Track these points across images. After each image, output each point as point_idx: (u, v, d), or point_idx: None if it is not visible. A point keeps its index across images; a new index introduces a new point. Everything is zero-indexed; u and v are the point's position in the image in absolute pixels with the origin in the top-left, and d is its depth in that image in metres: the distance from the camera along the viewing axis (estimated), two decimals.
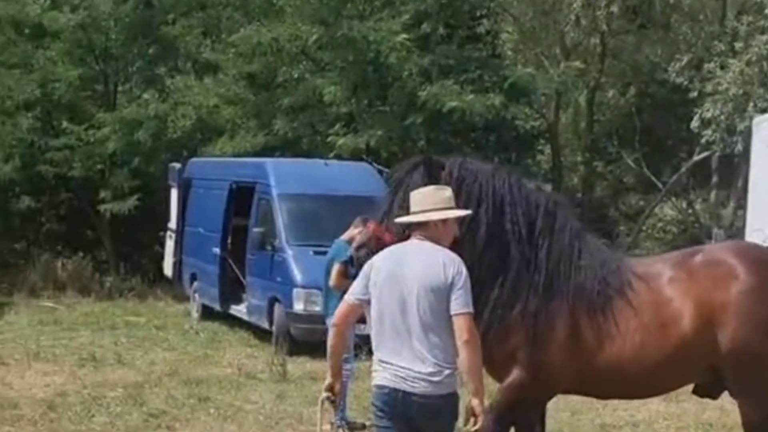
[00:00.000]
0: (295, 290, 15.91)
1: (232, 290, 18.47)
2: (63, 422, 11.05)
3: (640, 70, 29.26)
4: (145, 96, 23.75)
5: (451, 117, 20.84)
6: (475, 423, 5.98)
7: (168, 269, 21.63)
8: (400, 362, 5.95)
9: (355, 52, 21.32)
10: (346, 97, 21.77)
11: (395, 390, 5.99)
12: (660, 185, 28.85)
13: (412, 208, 6.28)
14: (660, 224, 31.62)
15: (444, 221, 6.21)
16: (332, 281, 10.98)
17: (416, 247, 6.16)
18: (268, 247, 17.01)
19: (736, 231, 25.35)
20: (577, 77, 25.38)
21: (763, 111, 21.48)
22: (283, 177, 17.62)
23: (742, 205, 25.59)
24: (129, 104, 24.16)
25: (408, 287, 5.96)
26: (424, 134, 21.63)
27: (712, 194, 30.33)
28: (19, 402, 11.94)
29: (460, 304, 5.93)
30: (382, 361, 6.05)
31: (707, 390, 7.61)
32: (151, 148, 23.30)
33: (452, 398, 6.02)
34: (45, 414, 11.38)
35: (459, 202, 6.91)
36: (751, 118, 21.18)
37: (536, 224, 7.24)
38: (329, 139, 21.43)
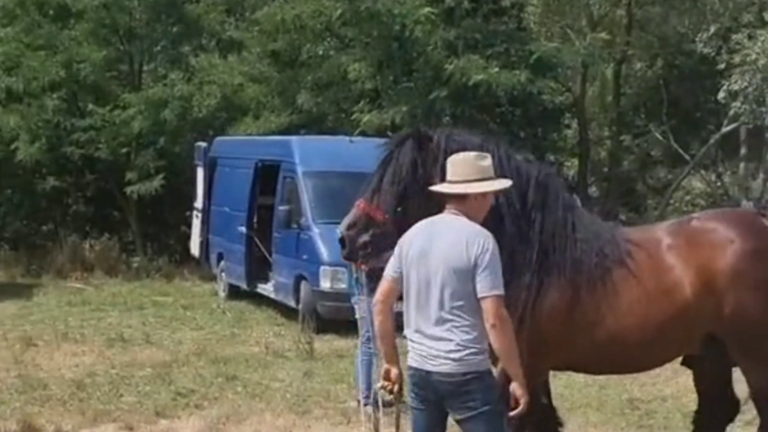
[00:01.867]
0: (321, 268, 15.87)
1: (258, 269, 18.47)
2: (92, 402, 11.08)
3: (668, 41, 28.97)
4: (171, 76, 23.72)
5: (477, 91, 20.68)
6: (515, 408, 5.82)
7: (195, 249, 21.66)
8: (424, 341, 5.83)
9: (380, 27, 21.17)
10: (371, 74, 21.64)
11: (420, 370, 5.87)
12: (688, 158, 28.63)
13: (450, 177, 6.03)
14: (688, 197, 31.42)
15: (483, 194, 6.03)
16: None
17: (448, 222, 5.94)
18: (294, 226, 16.99)
19: (765, 202, 25.19)
20: (603, 49, 25.14)
21: None
22: (308, 155, 17.56)
23: None
24: (154, 84, 24.17)
25: (434, 266, 5.80)
26: (449, 109, 21.49)
27: (741, 166, 30.12)
28: (48, 382, 11.98)
29: (485, 286, 5.70)
30: (411, 341, 5.93)
31: (700, 362, 7.51)
32: (177, 127, 23.29)
33: (479, 378, 5.78)
34: (74, 394, 11.41)
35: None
36: None
37: (528, 197, 7.04)
38: (354, 116, 21.34)
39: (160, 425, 10.14)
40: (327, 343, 14.77)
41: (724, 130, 26.98)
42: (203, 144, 21.37)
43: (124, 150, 23.75)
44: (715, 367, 7.51)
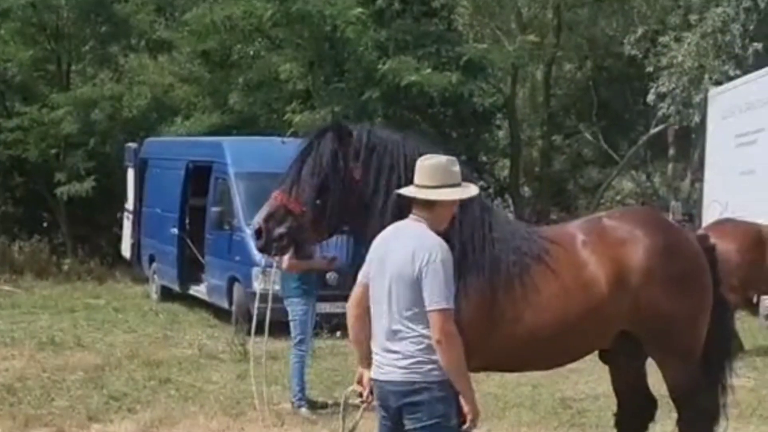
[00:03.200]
0: (254, 269, 15.79)
1: (191, 271, 18.36)
2: (23, 406, 10.91)
3: (596, 43, 29.36)
4: (100, 76, 23.47)
5: (409, 92, 20.78)
6: (464, 424, 5.71)
7: (126, 251, 21.49)
8: (378, 350, 5.77)
9: (311, 28, 21.17)
10: (303, 74, 21.64)
11: (375, 380, 5.80)
12: (618, 158, 29.00)
13: (419, 181, 5.84)
14: (618, 197, 31.84)
15: (452, 202, 5.87)
16: (283, 264, 10.82)
17: (405, 229, 5.81)
18: (227, 227, 16.91)
19: (693, 203, 25.58)
20: (533, 51, 25.36)
21: (718, 83, 21.62)
22: (239, 156, 17.48)
23: (699, 177, 25.78)
24: (83, 84, 23.91)
25: (388, 275, 5.71)
26: (381, 110, 21.54)
27: (669, 167, 30.57)
28: None
29: (430, 298, 5.56)
30: (372, 351, 5.84)
31: (615, 356, 7.60)
32: (107, 128, 23.10)
33: (426, 389, 5.61)
34: (4, 398, 11.22)
35: (370, 169, 6.73)
36: (706, 91, 21.36)
37: None
38: (286, 116, 21.31)
39: (92, 430, 10.02)
40: (260, 345, 14.67)
41: (653, 131, 27.37)
42: (134, 145, 21.20)
43: (53, 151, 23.46)
44: (630, 364, 7.58)
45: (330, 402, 11.25)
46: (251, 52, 22.91)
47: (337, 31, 20.80)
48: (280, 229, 6.76)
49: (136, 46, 25.91)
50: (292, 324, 11.09)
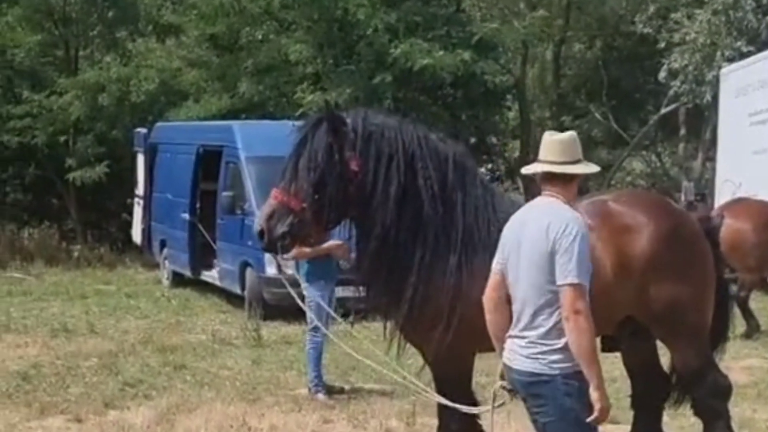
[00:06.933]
0: (267, 254, 15.71)
1: (202, 256, 18.26)
2: (38, 394, 10.84)
3: (606, 22, 29.18)
4: (107, 59, 23.37)
5: (422, 75, 20.66)
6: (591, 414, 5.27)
7: (137, 236, 21.42)
8: (510, 335, 5.54)
9: (321, 10, 21.06)
10: (313, 56, 21.51)
11: (504, 365, 5.58)
12: (628, 139, 28.85)
13: (551, 157, 5.58)
14: (629, 178, 31.70)
15: (576, 177, 5.64)
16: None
17: (539, 207, 5.55)
18: (238, 211, 16.80)
19: (705, 183, 25.45)
20: (543, 29, 25.24)
21: (730, 60, 21.45)
22: (250, 139, 17.36)
23: (710, 156, 25.70)
24: (90, 69, 23.82)
25: (523, 254, 5.46)
26: (392, 93, 21.42)
27: (681, 147, 30.44)
28: None
29: (562, 273, 5.26)
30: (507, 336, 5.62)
31: (616, 342, 7.54)
32: (115, 112, 23.03)
33: (552, 381, 5.31)
34: (19, 386, 11.16)
35: (368, 159, 6.65)
36: (719, 68, 21.19)
37: (448, 178, 6.84)
38: (296, 96, 21.19)
39: (109, 416, 9.93)
40: (274, 330, 14.63)
41: (664, 110, 27.20)
42: (143, 130, 21.10)
43: (62, 138, 23.38)
44: (640, 345, 7.53)
45: (347, 387, 11.21)
46: (260, 36, 22.75)
47: (347, 13, 20.65)
48: (282, 228, 6.71)
49: (143, 30, 25.81)
50: (307, 309, 10.95)
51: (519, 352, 5.42)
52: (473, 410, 6.64)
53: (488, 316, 5.74)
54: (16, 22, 23.53)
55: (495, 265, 5.74)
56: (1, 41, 23.06)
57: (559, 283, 5.28)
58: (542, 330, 5.36)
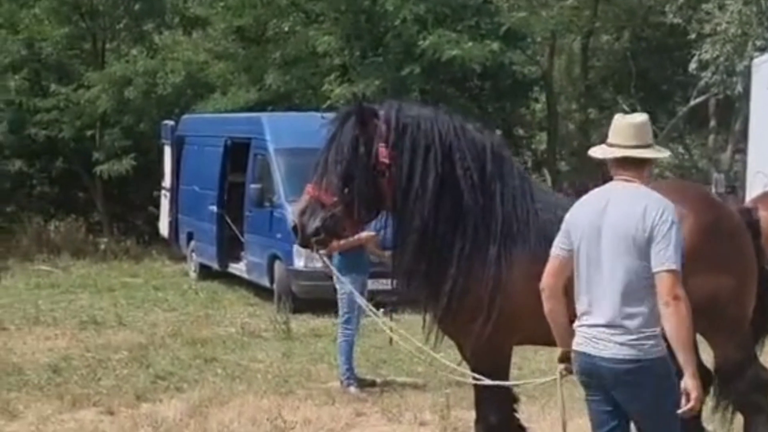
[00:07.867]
0: (295, 247, 15.60)
1: (230, 248, 18.21)
2: (70, 386, 10.82)
3: (635, 13, 28.91)
4: (133, 52, 23.36)
5: (451, 66, 20.54)
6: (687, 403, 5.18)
7: (164, 229, 21.39)
8: (590, 321, 5.38)
9: (348, 1, 20.97)
10: (340, 48, 21.42)
11: (582, 354, 5.40)
12: (656, 131, 28.58)
13: (625, 141, 5.46)
14: (657, 170, 31.34)
15: (648, 162, 5.51)
16: None
17: (623, 191, 5.41)
18: (267, 204, 16.73)
19: (734, 175, 25.22)
20: (571, 20, 25.09)
21: (762, 51, 21.20)
22: (279, 131, 17.28)
23: (740, 148, 25.46)
24: (117, 62, 23.82)
25: (605, 239, 5.33)
26: (420, 84, 21.31)
27: (710, 138, 30.17)
28: (23, 367, 11.70)
29: (659, 259, 5.17)
30: (579, 322, 5.45)
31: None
32: (141, 105, 23.00)
33: (651, 366, 5.22)
34: (51, 378, 11.16)
35: (404, 151, 6.59)
36: (750, 59, 20.93)
37: (486, 169, 6.77)
38: (324, 87, 21.12)
39: (141, 409, 9.90)
40: (303, 323, 14.58)
41: (693, 102, 26.98)
42: (170, 122, 21.07)
43: (89, 132, 23.38)
44: None
45: (378, 380, 11.13)
46: (287, 27, 22.68)
47: (375, 4, 20.55)
48: (315, 223, 6.68)
49: (170, 23, 25.79)
50: (339, 302, 10.89)
51: (611, 339, 5.27)
52: (518, 383, 6.53)
53: (548, 304, 5.61)
54: (44, 15, 23.54)
55: (556, 250, 5.61)
56: (28, 34, 23.06)
57: (656, 269, 5.18)
58: (640, 317, 5.25)
